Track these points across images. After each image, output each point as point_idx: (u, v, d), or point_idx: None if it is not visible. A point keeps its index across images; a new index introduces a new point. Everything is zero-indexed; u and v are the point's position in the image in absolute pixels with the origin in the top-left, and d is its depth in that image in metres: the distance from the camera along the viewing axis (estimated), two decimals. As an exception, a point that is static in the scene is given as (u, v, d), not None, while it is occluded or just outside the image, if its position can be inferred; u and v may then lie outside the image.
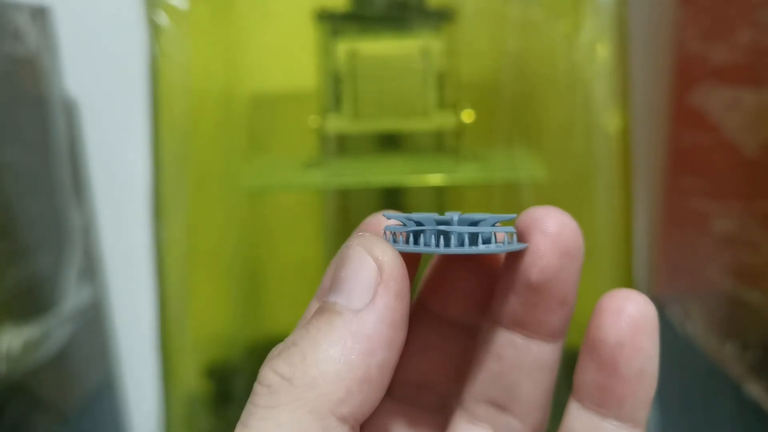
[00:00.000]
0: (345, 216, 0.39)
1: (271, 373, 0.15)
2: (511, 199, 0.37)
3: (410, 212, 0.17)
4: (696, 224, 0.48)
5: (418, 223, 0.17)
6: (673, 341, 0.48)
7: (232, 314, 0.40)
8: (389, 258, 0.15)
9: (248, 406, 0.15)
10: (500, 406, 0.18)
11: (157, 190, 0.36)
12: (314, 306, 0.19)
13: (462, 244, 0.16)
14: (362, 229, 0.19)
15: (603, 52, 0.35)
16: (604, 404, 0.17)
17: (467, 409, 0.19)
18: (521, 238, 0.17)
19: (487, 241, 0.16)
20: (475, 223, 0.16)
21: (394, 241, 0.17)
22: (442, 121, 0.37)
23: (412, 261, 0.18)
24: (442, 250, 0.16)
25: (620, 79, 0.35)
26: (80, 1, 0.48)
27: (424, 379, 0.19)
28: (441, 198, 0.39)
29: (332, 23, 0.36)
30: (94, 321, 0.53)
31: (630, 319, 0.16)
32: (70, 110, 0.50)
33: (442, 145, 0.38)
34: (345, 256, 0.16)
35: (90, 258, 0.52)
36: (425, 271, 0.20)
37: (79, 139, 0.51)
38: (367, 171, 0.37)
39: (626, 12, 0.34)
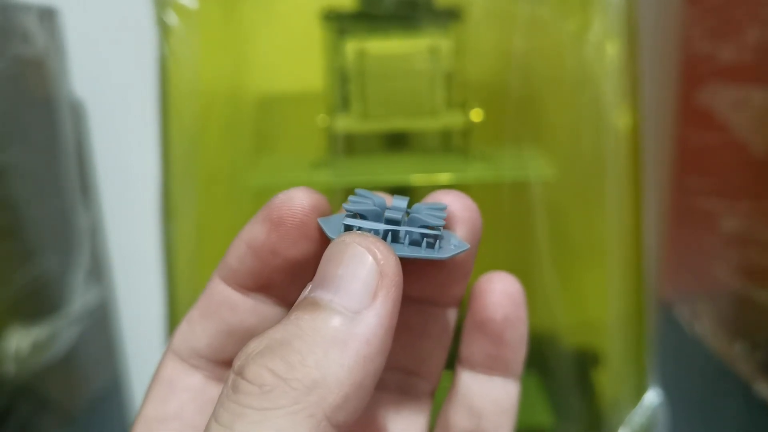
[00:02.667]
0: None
1: (264, 371, 0.14)
2: (521, 198, 0.37)
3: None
4: (704, 223, 0.48)
5: (365, 215, 0.17)
6: (681, 341, 0.48)
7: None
8: (392, 262, 0.15)
9: (231, 405, 0.14)
10: (409, 372, 0.20)
11: (167, 191, 0.36)
12: (217, 280, 0.19)
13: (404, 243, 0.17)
14: (276, 212, 0.18)
15: (612, 50, 0.34)
16: (493, 366, 0.20)
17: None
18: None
19: (417, 243, 0.17)
20: (428, 227, 0.17)
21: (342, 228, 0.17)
22: (451, 120, 0.37)
23: None
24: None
25: (629, 76, 0.35)
26: (88, 3, 0.48)
27: (396, 363, 0.20)
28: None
29: (340, 23, 0.36)
30: (102, 322, 0.53)
31: (510, 297, 0.19)
32: (77, 111, 0.50)
33: (450, 145, 0.38)
34: (342, 253, 0.15)
35: (97, 259, 0.52)
36: None
37: (87, 140, 0.51)
38: (375, 170, 0.37)
39: (635, 10, 0.34)
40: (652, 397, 0.38)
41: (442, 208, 0.18)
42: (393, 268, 0.15)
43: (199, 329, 0.19)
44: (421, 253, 0.17)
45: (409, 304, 0.19)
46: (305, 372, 0.14)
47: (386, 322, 0.15)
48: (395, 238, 0.17)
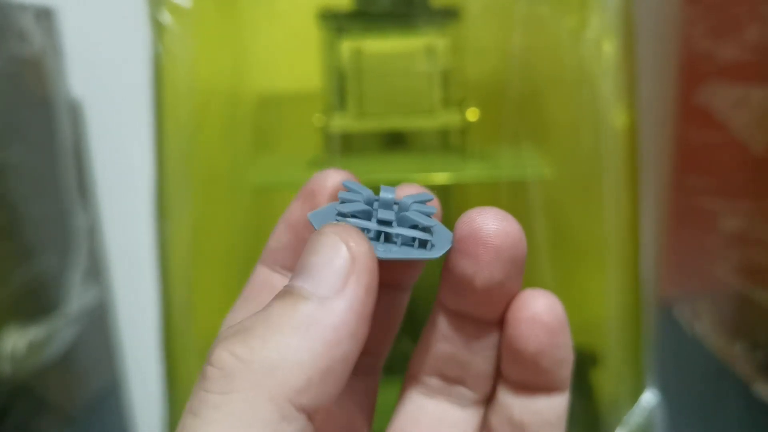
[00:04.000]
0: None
1: (225, 354, 0.14)
2: (518, 197, 0.36)
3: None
4: (704, 223, 0.47)
5: (364, 213, 0.17)
6: (681, 341, 0.48)
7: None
8: (364, 250, 0.15)
9: (199, 392, 0.14)
10: (453, 380, 0.19)
11: (161, 190, 0.36)
12: (261, 267, 0.20)
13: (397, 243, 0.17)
14: (311, 186, 0.19)
15: (609, 48, 0.34)
16: (531, 390, 0.18)
17: (421, 382, 0.19)
18: (460, 241, 0.17)
19: (422, 245, 0.17)
20: (418, 227, 0.17)
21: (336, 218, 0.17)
22: (448, 119, 0.37)
23: None
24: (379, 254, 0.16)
25: (627, 75, 0.35)
26: (85, 2, 0.48)
27: None
28: (447, 196, 0.38)
29: (336, 21, 0.36)
30: (100, 322, 0.53)
31: (544, 326, 0.17)
32: (75, 111, 0.50)
33: (447, 144, 0.38)
34: (317, 242, 0.15)
35: (95, 259, 0.52)
36: None
37: (84, 140, 0.51)
38: (372, 169, 0.37)
39: (632, 8, 0.34)
40: (649, 397, 0.37)
41: (429, 200, 0.18)
42: (365, 256, 0.15)
43: (241, 315, 0.19)
44: (413, 253, 0.16)
45: (449, 317, 0.18)
46: (265, 355, 0.14)
47: (357, 308, 0.15)
48: (387, 238, 0.17)
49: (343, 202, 0.17)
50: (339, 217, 0.17)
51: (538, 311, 0.17)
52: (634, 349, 0.37)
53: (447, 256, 0.17)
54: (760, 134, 0.43)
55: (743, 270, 0.44)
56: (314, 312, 0.14)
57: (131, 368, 0.55)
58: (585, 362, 0.38)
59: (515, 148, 0.37)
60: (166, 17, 0.34)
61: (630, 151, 0.35)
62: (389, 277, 0.19)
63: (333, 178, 0.19)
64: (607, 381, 0.38)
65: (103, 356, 0.54)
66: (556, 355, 0.17)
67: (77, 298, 0.49)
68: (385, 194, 0.18)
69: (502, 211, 0.17)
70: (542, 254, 0.37)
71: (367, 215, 0.17)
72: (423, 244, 0.17)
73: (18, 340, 0.43)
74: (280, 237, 0.19)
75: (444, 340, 0.19)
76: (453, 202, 0.39)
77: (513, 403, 0.18)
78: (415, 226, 0.17)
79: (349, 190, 0.18)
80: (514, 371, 0.18)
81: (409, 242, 0.17)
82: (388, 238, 0.17)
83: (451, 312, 0.18)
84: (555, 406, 0.18)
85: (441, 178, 0.35)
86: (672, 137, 0.50)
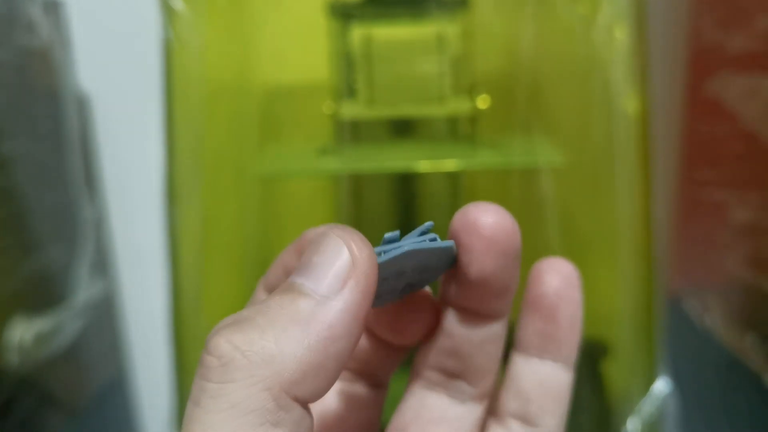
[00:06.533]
0: (358, 203, 0.38)
1: (223, 342, 0.14)
2: (529, 185, 0.36)
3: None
4: (713, 215, 0.47)
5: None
6: (691, 334, 0.48)
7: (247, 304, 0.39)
8: (365, 254, 0.16)
9: (199, 381, 0.14)
10: (453, 375, 0.20)
11: (171, 177, 0.36)
12: (261, 291, 0.20)
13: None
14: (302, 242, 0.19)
15: (621, 34, 0.34)
16: (545, 348, 0.20)
17: (423, 377, 0.20)
18: (456, 234, 0.18)
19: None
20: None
21: None
22: (458, 107, 0.37)
23: None
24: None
25: (639, 61, 0.34)
26: (93, -7, 0.48)
27: (365, 356, 0.21)
28: (456, 184, 0.38)
29: (346, 8, 0.36)
30: (106, 315, 0.53)
31: (564, 276, 0.19)
32: (82, 103, 0.50)
33: (457, 132, 0.38)
34: (321, 242, 0.16)
35: (102, 251, 0.52)
36: None
37: (92, 132, 0.51)
38: (381, 157, 0.36)
39: (644, -7, 0.34)
40: (661, 386, 0.37)
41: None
42: (366, 261, 0.16)
43: None
44: (425, 244, 0.17)
45: (449, 312, 0.19)
46: (262, 345, 0.14)
47: (353, 309, 0.15)
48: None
49: None
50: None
51: (560, 265, 0.20)
52: (647, 340, 0.37)
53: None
54: (770, 125, 0.42)
55: (753, 261, 0.44)
56: (313, 309, 0.15)
57: (138, 361, 0.55)
58: (597, 353, 0.38)
59: (526, 136, 0.37)
60: (178, 2, 0.33)
61: (642, 138, 0.35)
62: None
63: None
64: (619, 371, 0.38)
65: (110, 349, 0.53)
66: (571, 308, 0.19)
67: (84, 291, 0.49)
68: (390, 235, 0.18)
69: (496, 205, 0.18)
70: (553, 243, 0.37)
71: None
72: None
73: (25, 331, 0.43)
74: (281, 279, 0.20)
75: (444, 334, 0.19)
76: (462, 190, 0.39)
77: (523, 372, 0.20)
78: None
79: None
80: (530, 326, 0.20)
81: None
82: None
83: (451, 306, 0.19)
84: (560, 378, 0.20)
85: (450, 165, 0.35)
86: (681, 129, 0.49)
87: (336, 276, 0.15)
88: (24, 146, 0.43)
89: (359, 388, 0.21)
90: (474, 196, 0.38)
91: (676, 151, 0.50)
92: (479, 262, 0.17)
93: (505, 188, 0.38)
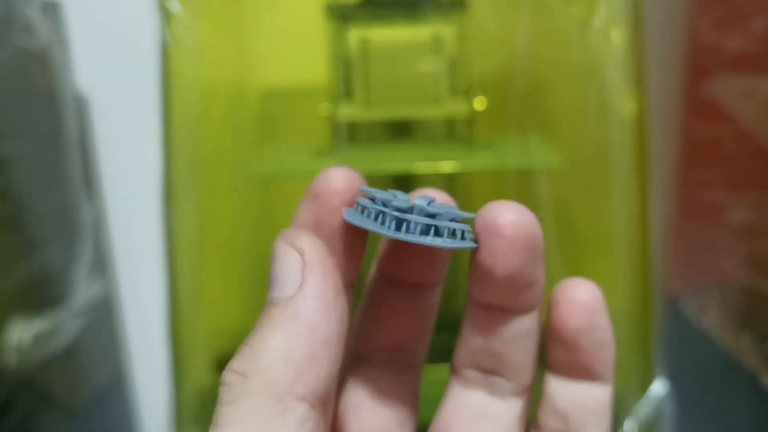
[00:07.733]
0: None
1: (228, 372, 0.16)
2: (525, 186, 0.36)
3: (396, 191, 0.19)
4: (711, 216, 0.47)
5: (384, 203, 0.18)
6: (688, 334, 0.48)
7: (245, 306, 0.40)
8: (310, 245, 0.17)
9: (217, 407, 0.16)
10: (490, 371, 0.20)
11: (169, 178, 0.36)
12: None
13: (414, 232, 0.17)
14: (315, 188, 0.19)
15: (617, 36, 0.34)
16: (574, 374, 0.20)
17: (460, 375, 0.21)
18: (479, 235, 0.18)
19: (439, 234, 0.17)
20: (433, 215, 0.17)
21: (361, 213, 0.18)
22: (454, 108, 0.37)
23: (363, 232, 0.20)
24: (392, 234, 0.17)
25: (635, 63, 0.34)
26: (91, -6, 0.48)
27: (395, 342, 0.21)
28: (453, 186, 0.38)
29: (343, 10, 0.36)
30: (105, 316, 0.53)
31: (583, 306, 0.19)
32: (80, 104, 0.50)
33: (454, 133, 0.38)
34: (272, 254, 0.17)
35: (101, 252, 0.52)
36: (380, 243, 0.21)
37: (90, 133, 0.51)
38: (378, 158, 0.37)
39: (640, -5, 0.34)
40: (658, 387, 0.37)
41: (469, 218, 0.19)
42: (312, 249, 0.17)
43: None
44: (390, 231, 0.17)
45: (480, 309, 0.20)
46: (254, 362, 0.16)
47: (319, 294, 0.16)
48: (406, 225, 0.17)
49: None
50: (359, 198, 0.18)
51: (580, 292, 0.19)
52: (643, 340, 0.37)
53: (472, 250, 0.18)
54: (767, 125, 0.42)
55: (751, 262, 0.44)
56: (284, 311, 0.16)
57: (136, 362, 0.55)
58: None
59: (522, 138, 0.37)
60: (175, 5, 0.34)
61: (639, 140, 0.35)
62: (414, 274, 0.21)
63: (336, 178, 0.19)
64: (616, 372, 0.38)
65: (108, 350, 0.53)
66: (595, 335, 0.19)
67: (82, 291, 0.49)
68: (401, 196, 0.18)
69: (515, 203, 0.18)
70: (549, 244, 0.37)
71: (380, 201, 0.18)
72: (453, 234, 0.18)
73: (23, 332, 0.43)
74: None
75: (476, 332, 0.20)
76: (459, 191, 0.39)
77: (558, 392, 0.20)
78: (453, 219, 0.18)
79: (365, 195, 0.19)
80: (557, 355, 0.20)
81: (425, 232, 0.17)
82: (406, 224, 0.17)
83: (480, 304, 0.20)
84: (597, 395, 0.20)
85: (447, 166, 0.35)
86: (678, 130, 0.49)
87: (293, 274, 0.16)
88: (22, 147, 0.44)
89: (391, 374, 0.21)
90: (471, 198, 0.38)
91: (674, 151, 0.50)
92: (505, 262, 0.18)
93: (502, 189, 0.38)
